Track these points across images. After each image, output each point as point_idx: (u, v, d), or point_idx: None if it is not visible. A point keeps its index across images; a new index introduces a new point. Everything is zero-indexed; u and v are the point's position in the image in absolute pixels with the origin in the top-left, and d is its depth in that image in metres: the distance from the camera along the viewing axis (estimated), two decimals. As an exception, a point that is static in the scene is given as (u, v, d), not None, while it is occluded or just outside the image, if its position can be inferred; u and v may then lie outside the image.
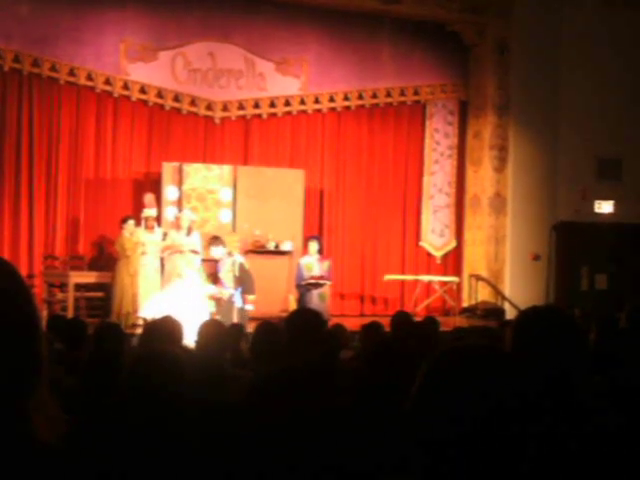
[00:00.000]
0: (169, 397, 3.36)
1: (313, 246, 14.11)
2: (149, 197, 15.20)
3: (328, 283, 14.08)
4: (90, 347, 5.92)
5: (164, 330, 5.80)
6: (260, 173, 16.50)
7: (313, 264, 13.95)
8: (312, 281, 13.79)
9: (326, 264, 14.17)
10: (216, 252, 13.12)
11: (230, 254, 13.11)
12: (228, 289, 12.87)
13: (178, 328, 5.92)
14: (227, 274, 12.96)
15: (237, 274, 12.87)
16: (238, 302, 12.83)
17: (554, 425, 2.58)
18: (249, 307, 12.96)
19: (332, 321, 10.76)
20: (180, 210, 14.97)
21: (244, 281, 12.93)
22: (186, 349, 5.95)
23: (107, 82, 16.13)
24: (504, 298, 17.82)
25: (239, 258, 13.28)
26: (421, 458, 1.80)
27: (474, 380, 1.80)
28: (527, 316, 2.99)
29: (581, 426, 2.67)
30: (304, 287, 13.83)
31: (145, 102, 16.54)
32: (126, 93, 16.32)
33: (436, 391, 1.82)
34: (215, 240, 13.28)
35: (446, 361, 1.87)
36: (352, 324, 11.38)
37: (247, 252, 15.81)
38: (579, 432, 2.63)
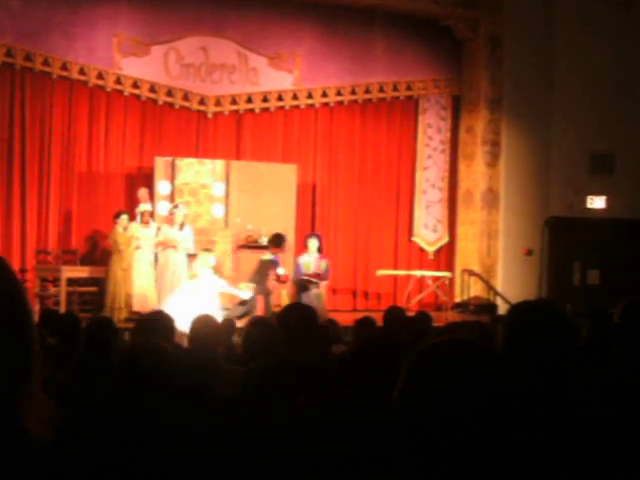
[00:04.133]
0: (156, 390, 3.36)
1: (313, 244, 13.71)
2: (143, 192, 15.20)
3: (323, 283, 13.85)
4: (82, 342, 5.91)
5: (154, 325, 5.80)
6: (253, 168, 16.49)
7: (311, 263, 13.65)
8: (306, 278, 13.59)
9: (324, 264, 13.83)
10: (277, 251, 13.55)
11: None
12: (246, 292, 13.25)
13: (169, 323, 5.92)
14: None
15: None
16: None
17: (543, 420, 2.58)
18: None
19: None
20: (176, 205, 14.88)
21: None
22: (175, 343, 5.94)
23: (100, 76, 16.10)
24: (496, 293, 17.84)
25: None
26: (408, 454, 1.80)
27: (455, 376, 1.80)
28: (518, 310, 2.99)
29: (571, 421, 2.67)
30: (301, 284, 13.63)
31: (138, 97, 16.52)
32: (119, 88, 16.29)
33: (418, 388, 1.82)
34: (278, 238, 13.55)
35: (427, 357, 1.86)
36: (345, 319, 11.39)
37: (239, 247, 15.82)
38: (569, 427, 2.63)
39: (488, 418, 1.77)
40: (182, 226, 14.41)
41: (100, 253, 15.65)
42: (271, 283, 13.30)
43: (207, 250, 13.56)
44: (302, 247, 14.48)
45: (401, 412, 1.83)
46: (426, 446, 1.77)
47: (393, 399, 1.86)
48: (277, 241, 13.58)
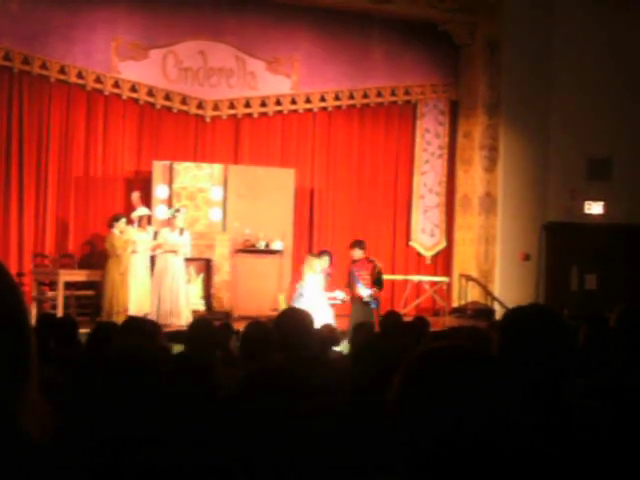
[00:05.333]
0: (142, 389, 3.35)
1: (325, 261, 14.16)
2: (136, 195, 15.18)
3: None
4: (85, 346, 5.92)
5: (140, 327, 5.84)
6: (251, 172, 16.49)
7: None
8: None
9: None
10: (356, 254, 13.86)
11: (367, 259, 13.97)
12: (367, 290, 13.54)
13: (152, 325, 5.98)
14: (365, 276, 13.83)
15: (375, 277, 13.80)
16: (372, 304, 13.57)
17: (540, 427, 2.58)
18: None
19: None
20: (178, 209, 14.88)
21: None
22: (162, 346, 5.96)
23: (98, 80, 16.10)
24: (494, 298, 17.84)
25: (378, 263, 14.06)
26: (404, 460, 1.80)
27: (450, 382, 1.79)
28: (513, 316, 2.99)
29: (569, 428, 2.67)
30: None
31: (136, 100, 16.52)
32: (117, 91, 16.29)
33: (412, 394, 1.82)
34: (360, 243, 14.00)
35: (421, 363, 1.86)
36: (342, 324, 11.40)
37: (237, 251, 15.82)
38: (566, 434, 2.63)
39: (485, 424, 1.77)
40: (182, 231, 14.42)
41: (97, 257, 15.62)
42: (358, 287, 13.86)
43: (314, 256, 14.10)
44: (300, 251, 14.54)
45: (395, 418, 1.83)
46: (421, 452, 1.77)
47: (388, 404, 1.86)
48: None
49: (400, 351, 3.84)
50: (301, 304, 13.49)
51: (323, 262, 13.89)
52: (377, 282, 13.77)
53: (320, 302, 13.40)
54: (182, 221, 14.50)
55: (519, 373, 2.70)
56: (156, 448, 3.12)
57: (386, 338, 6.68)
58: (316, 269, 13.70)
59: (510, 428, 1.80)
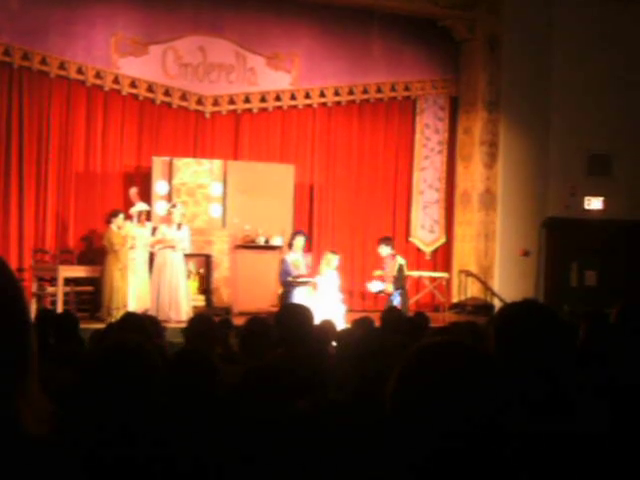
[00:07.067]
0: (137, 385, 3.34)
1: (300, 241, 14.13)
2: (133, 191, 15.18)
3: (315, 281, 14.09)
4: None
5: (138, 323, 5.85)
6: (250, 168, 16.47)
7: (299, 261, 14.01)
8: (301, 279, 13.83)
9: (308, 259, 14.42)
10: (383, 251, 14.17)
11: (394, 256, 14.18)
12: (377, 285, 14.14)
13: (152, 321, 5.99)
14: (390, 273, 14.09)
15: (395, 274, 13.96)
16: (396, 301, 13.73)
17: (539, 424, 2.58)
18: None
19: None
20: (174, 205, 14.90)
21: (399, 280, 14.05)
22: (157, 342, 5.95)
23: (98, 76, 16.10)
24: (494, 294, 17.84)
25: (400, 260, 14.29)
26: (402, 457, 1.80)
27: (448, 378, 1.79)
28: (506, 313, 2.99)
29: (568, 425, 2.67)
30: (291, 284, 13.85)
31: (135, 96, 16.51)
32: (116, 87, 16.29)
33: (410, 391, 1.82)
34: (386, 240, 14.38)
35: (419, 360, 1.86)
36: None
37: (237, 247, 15.81)
38: (566, 431, 2.63)
39: (482, 420, 1.77)
40: (180, 226, 14.42)
41: (97, 253, 15.62)
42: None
43: (332, 252, 14.27)
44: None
45: (393, 414, 1.83)
46: (419, 448, 1.77)
47: (386, 400, 1.86)
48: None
49: (400, 347, 3.84)
50: (293, 299, 13.52)
51: (336, 258, 14.03)
52: (396, 278, 13.91)
53: (334, 298, 13.57)
54: (179, 216, 14.50)
55: (516, 369, 2.70)
56: (155, 444, 3.12)
57: (386, 334, 6.68)
58: (333, 264, 13.80)
59: (507, 424, 1.80)
